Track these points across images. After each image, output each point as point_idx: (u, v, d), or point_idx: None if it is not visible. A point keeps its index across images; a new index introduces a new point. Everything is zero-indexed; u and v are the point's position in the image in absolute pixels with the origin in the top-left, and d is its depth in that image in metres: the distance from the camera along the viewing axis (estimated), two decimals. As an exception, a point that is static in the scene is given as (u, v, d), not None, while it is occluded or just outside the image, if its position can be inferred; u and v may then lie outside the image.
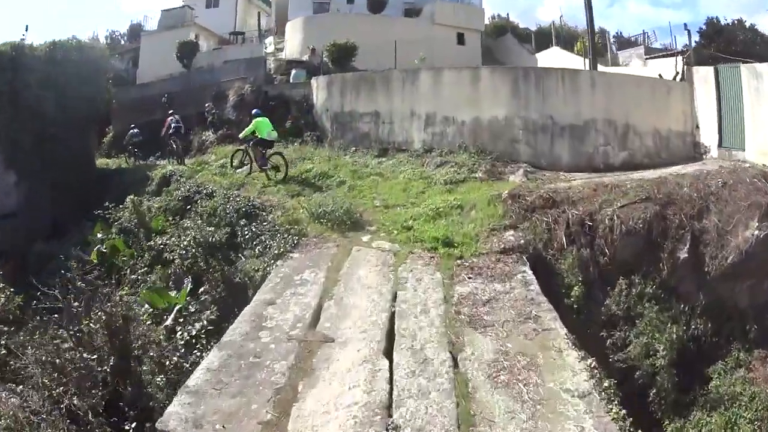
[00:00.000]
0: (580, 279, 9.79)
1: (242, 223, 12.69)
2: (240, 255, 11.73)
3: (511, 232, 10.27)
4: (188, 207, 15.36)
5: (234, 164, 18.24)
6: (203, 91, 25.62)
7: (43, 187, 19.12)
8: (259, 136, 16.38)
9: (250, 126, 16.77)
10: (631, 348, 9.37)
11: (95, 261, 14.72)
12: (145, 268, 13.72)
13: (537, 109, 15.67)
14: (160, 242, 13.87)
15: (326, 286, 8.91)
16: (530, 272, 9.04)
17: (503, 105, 15.96)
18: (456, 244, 10.15)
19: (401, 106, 18.04)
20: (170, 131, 21.62)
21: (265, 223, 12.27)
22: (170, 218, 15.14)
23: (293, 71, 23.89)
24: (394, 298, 8.35)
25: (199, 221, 13.42)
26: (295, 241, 10.93)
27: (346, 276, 9.25)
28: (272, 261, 10.33)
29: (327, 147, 19.85)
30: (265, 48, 31.84)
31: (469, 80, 16.87)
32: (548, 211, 10.69)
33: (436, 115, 17.03)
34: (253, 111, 17.67)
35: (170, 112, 22.82)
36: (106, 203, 16.37)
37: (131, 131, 24.51)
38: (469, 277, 8.91)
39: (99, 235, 15.80)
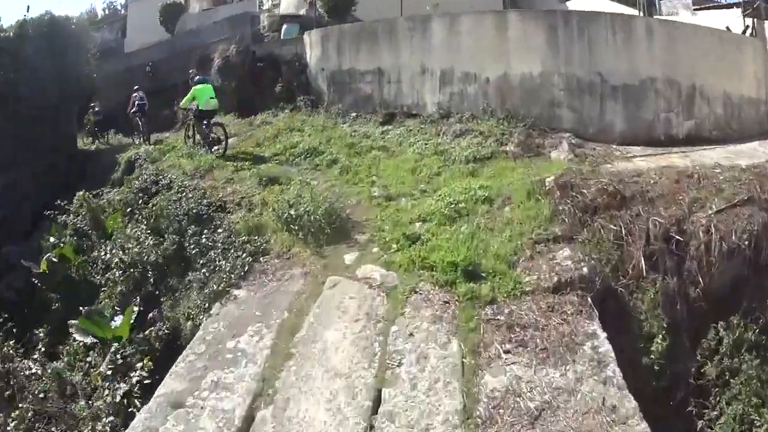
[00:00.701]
0: (665, 324, 6.59)
1: (191, 230, 9.72)
2: (188, 278, 8.80)
3: (566, 249, 6.88)
4: (145, 201, 12.61)
5: (188, 141, 16.38)
6: (188, 57, 22.54)
7: (21, 176, 17.58)
8: (198, 106, 14.96)
9: (189, 94, 15.37)
10: (723, 421, 6.24)
11: (45, 271, 12.15)
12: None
13: (581, 63, 12.06)
14: (107, 250, 11.16)
15: (269, 370, 5.91)
16: (603, 336, 5.76)
17: (537, 59, 12.35)
18: (484, 274, 6.79)
19: (410, 62, 14.58)
20: (134, 109, 20.55)
21: (219, 231, 9.32)
22: (126, 216, 12.40)
23: (284, 26, 20.51)
24: (377, 403, 5.31)
25: (143, 226, 10.56)
26: (249, 264, 7.91)
27: (305, 344, 6.20)
28: (207, 303, 7.35)
29: (323, 113, 16.68)
30: (261, 4, 28.46)
31: (493, 28, 13.18)
32: (616, 214, 7.38)
33: (454, 72, 13.53)
34: (195, 77, 16.23)
35: (135, 87, 21.29)
36: (65, 200, 14.10)
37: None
38: (506, 351, 5.62)
39: (52, 240, 13.15)
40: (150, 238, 10.22)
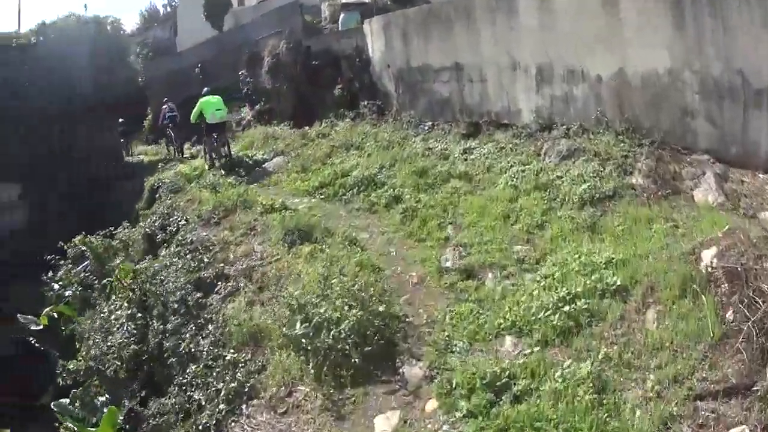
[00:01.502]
0: None
1: (173, 323, 8.03)
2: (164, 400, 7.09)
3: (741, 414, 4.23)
4: (148, 250, 11.64)
5: (207, 158, 15.85)
6: (237, 56, 21.45)
7: (53, 196, 17.55)
8: (206, 120, 14.95)
9: (196, 107, 15.26)
10: None
11: (46, 325, 11.28)
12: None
13: (717, 56, 8.97)
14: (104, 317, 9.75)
15: None
16: None
17: (663, 48, 9.50)
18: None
19: (495, 54, 12.27)
20: (165, 121, 20.70)
21: (207, 331, 7.53)
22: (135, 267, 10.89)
23: (341, 15, 18.92)
24: None
25: (133, 296, 9.05)
26: (230, 410, 6.00)
27: None
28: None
29: (390, 123, 14.89)
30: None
31: (598, 2, 10.34)
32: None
33: (553, 67, 11.09)
34: (204, 89, 16.14)
35: (164, 99, 21.21)
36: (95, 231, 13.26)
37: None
38: None
39: (57, 287, 12.01)
40: (132, 322, 8.66)
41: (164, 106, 20.95)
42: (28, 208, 17.84)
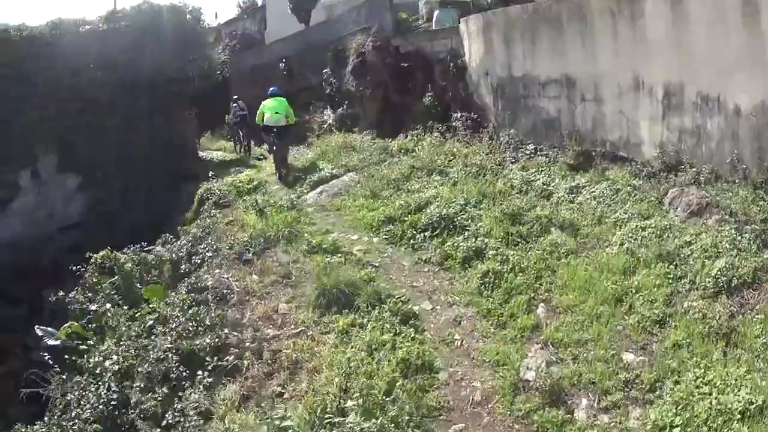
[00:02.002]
0: None
1: (147, 405, 6.74)
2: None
3: None
4: (176, 276, 10.51)
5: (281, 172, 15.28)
6: (322, 53, 20.60)
7: (114, 189, 17.11)
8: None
9: (260, 109, 15.21)
10: None
11: (64, 341, 10.18)
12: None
13: None
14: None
15: None
16: None
17: None
18: None
19: (613, 67, 10.67)
20: (235, 119, 20.92)
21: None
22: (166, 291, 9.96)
23: (435, 12, 17.57)
24: None
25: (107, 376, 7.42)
26: None
27: None
28: None
29: (485, 142, 13.51)
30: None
31: (738, 10, 8.35)
32: None
33: (684, 91, 9.34)
34: (270, 89, 15.75)
35: (235, 97, 21.15)
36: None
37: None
38: None
39: (81, 299, 10.39)
40: (107, 391, 7.16)
41: (234, 105, 20.90)
42: (86, 202, 17.12)
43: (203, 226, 11.91)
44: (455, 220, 9.93)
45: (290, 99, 21.77)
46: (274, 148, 15.33)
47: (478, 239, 9.21)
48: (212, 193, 14.03)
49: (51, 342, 9.71)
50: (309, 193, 13.39)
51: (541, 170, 11.50)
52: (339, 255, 9.39)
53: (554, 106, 12.13)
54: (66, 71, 16.52)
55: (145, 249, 11.53)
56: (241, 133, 21.29)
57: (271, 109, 14.87)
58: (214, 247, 10.47)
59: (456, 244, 9.30)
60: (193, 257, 10.56)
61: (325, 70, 20.19)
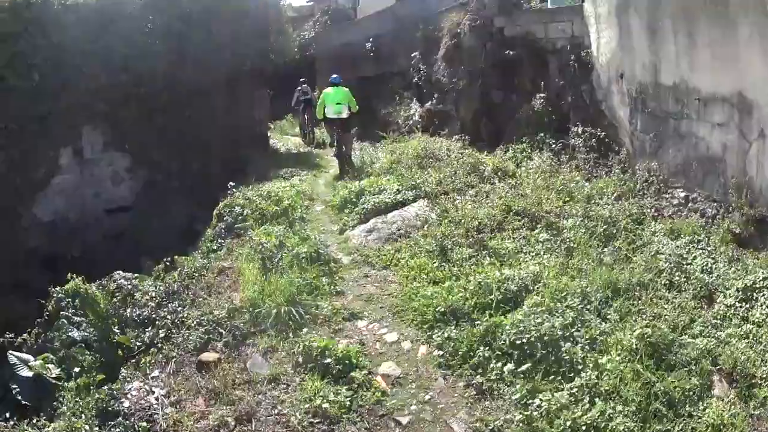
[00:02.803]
0: None
1: None
2: None
3: None
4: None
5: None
6: (413, 35, 16.90)
7: (170, 172, 15.60)
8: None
9: (320, 99, 14.49)
10: None
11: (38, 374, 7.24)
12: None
13: None
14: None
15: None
16: None
17: None
18: None
19: None
20: (300, 105, 20.12)
21: None
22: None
23: (552, -13, 13.40)
24: None
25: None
26: None
27: None
28: None
29: (617, 173, 9.67)
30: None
31: None
32: None
33: None
34: (332, 77, 14.50)
35: (301, 80, 20.21)
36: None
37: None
38: None
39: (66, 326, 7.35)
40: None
41: (298, 88, 19.88)
42: (138, 184, 15.52)
43: (188, 271, 8.52)
44: (561, 345, 5.80)
45: (377, 85, 18.73)
46: (336, 142, 14.19)
47: (597, 400, 5.10)
48: (231, 210, 10.75)
49: (23, 373, 7.06)
50: (356, 228, 9.77)
51: (698, 240, 7.40)
52: (349, 383, 5.80)
53: (718, 137, 7.88)
54: (119, 40, 14.60)
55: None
56: (306, 118, 20.00)
57: (332, 99, 13.71)
58: (178, 318, 7.13)
59: (556, 403, 5.13)
60: (148, 330, 7.16)
61: (415, 54, 16.48)
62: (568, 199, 9.15)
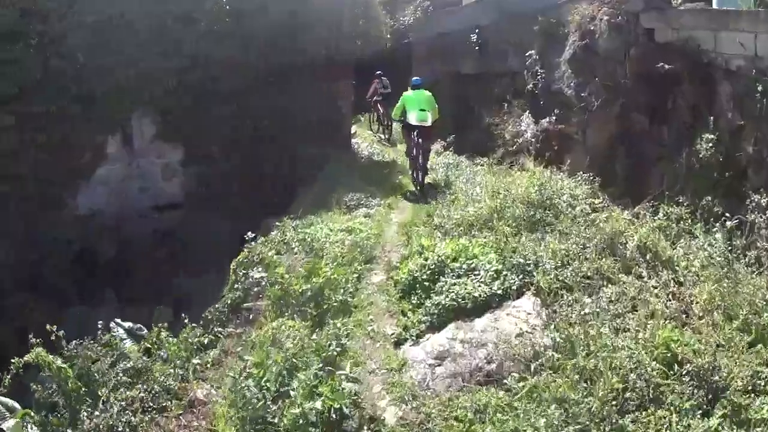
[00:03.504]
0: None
1: None
2: None
3: None
4: None
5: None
6: (526, 28, 13.50)
7: (229, 170, 14.25)
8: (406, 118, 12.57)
9: (399, 102, 13.00)
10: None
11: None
12: None
13: None
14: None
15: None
16: None
17: None
18: None
19: None
20: (377, 97, 19.08)
21: None
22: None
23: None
24: None
25: None
26: None
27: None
28: None
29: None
30: None
31: None
32: None
33: None
34: (413, 79, 13.42)
35: (377, 73, 18.99)
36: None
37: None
38: None
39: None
40: None
41: (376, 80, 18.87)
42: (191, 180, 14.10)
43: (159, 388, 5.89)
44: None
45: (479, 85, 15.78)
46: (413, 152, 12.65)
47: None
48: (246, 275, 8.13)
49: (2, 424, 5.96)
50: (421, 342, 6.53)
51: None
52: None
53: None
54: (174, 19, 13.27)
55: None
56: (381, 112, 19.16)
57: (415, 105, 12.44)
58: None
59: None
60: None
61: (530, 54, 13.15)
62: (742, 327, 5.66)
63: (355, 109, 18.98)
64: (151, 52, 12.84)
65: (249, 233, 8.71)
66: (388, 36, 17.23)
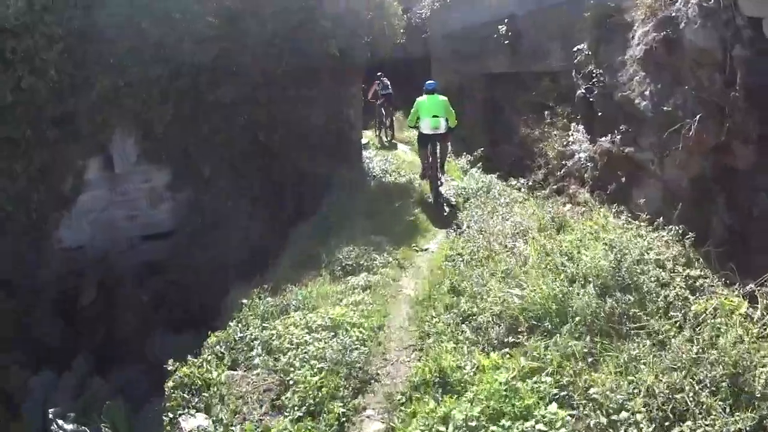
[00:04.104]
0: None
1: None
2: None
3: None
4: None
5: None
6: (569, 18, 10.45)
7: (222, 192, 12.59)
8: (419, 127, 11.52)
9: (413, 107, 11.66)
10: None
11: None
12: None
13: None
14: None
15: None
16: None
17: None
18: None
19: None
20: (380, 99, 18.40)
21: None
22: None
23: None
24: None
25: None
26: None
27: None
28: None
29: None
30: None
31: None
32: None
33: None
34: (427, 83, 12.00)
35: (378, 74, 18.09)
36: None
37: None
38: None
39: None
40: None
41: (376, 82, 18.20)
42: (180, 205, 12.34)
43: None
44: None
45: (512, 87, 13.03)
46: (429, 163, 11.63)
47: None
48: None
49: None
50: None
51: None
52: None
53: None
54: (151, 20, 11.22)
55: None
56: (383, 113, 18.53)
57: (429, 111, 11.30)
58: None
59: None
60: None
61: (579, 48, 9.98)
62: None
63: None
64: (129, 61, 11.13)
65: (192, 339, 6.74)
66: (402, 32, 14.25)
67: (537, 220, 8.51)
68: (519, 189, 11.36)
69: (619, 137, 8.67)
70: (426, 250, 9.23)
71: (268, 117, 12.42)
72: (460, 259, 7.82)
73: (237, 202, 12.39)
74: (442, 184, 11.79)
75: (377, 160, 14.81)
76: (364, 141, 16.23)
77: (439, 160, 11.51)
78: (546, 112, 11.59)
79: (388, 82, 18.17)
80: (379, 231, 9.54)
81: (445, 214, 10.95)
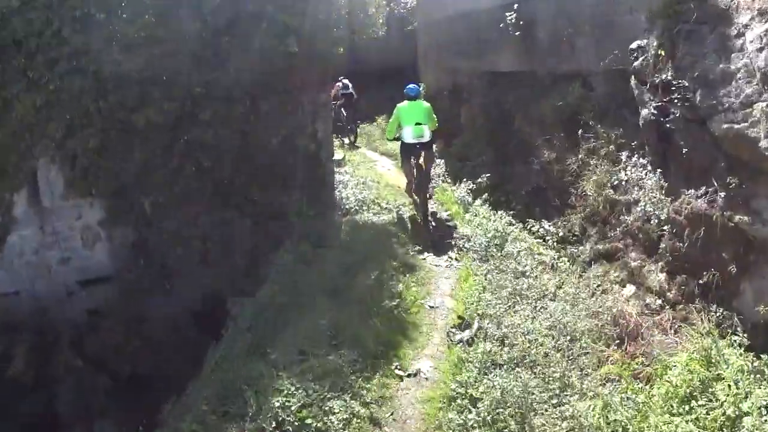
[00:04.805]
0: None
1: None
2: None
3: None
4: None
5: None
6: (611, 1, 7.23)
7: (165, 228, 10.03)
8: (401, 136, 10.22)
9: (393, 116, 10.47)
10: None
11: None
12: None
13: None
14: None
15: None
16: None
17: None
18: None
19: None
20: (338, 101, 16.78)
21: None
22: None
23: None
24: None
25: None
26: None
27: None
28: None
29: None
30: None
31: None
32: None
33: None
34: (407, 86, 10.61)
35: (340, 78, 16.97)
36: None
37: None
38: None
39: None
40: None
41: (337, 83, 17.03)
42: (118, 244, 10.00)
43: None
44: None
45: (524, 90, 10.11)
46: (414, 176, 10.13)
47: None
48: None
49: None
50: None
51: None
52: None
53: None
54: (72, 27, 8.89)
55: None
56: (343, 115, 17.17)
57: (411, 118, 9.87)
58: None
59: None
60: None
61: (642, 45, 6.68)
62: None
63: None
64: (54, 78, 8.92)
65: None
66: (381, 22, 11.12)
67: (587, 314, 5.33)
68: (544, 239, 8.14)
69: (722, 195, 5.41)
70: (416, 374, 5.91)
71: (214, 138, 9.62)
72: (472, 412, 4.57)
73: (187, 247, 9.91)
74: (431, 197, 10.60)
75: (352, 185, 11.57)
76: (338, 157, 12.99)
77: (424, 170, 10.18)
78: (578, 130, 8.29)
79: (349, 83, 17.44)
80: (346, 330, 6.22)
81: (436, 239, 9.34)
